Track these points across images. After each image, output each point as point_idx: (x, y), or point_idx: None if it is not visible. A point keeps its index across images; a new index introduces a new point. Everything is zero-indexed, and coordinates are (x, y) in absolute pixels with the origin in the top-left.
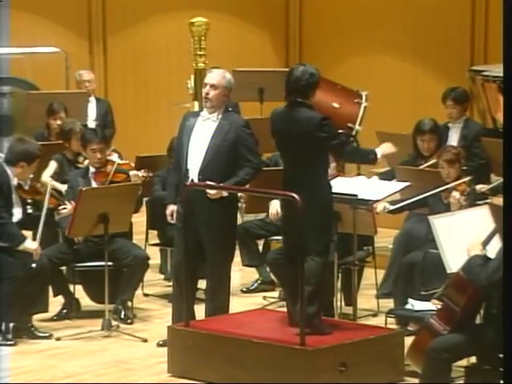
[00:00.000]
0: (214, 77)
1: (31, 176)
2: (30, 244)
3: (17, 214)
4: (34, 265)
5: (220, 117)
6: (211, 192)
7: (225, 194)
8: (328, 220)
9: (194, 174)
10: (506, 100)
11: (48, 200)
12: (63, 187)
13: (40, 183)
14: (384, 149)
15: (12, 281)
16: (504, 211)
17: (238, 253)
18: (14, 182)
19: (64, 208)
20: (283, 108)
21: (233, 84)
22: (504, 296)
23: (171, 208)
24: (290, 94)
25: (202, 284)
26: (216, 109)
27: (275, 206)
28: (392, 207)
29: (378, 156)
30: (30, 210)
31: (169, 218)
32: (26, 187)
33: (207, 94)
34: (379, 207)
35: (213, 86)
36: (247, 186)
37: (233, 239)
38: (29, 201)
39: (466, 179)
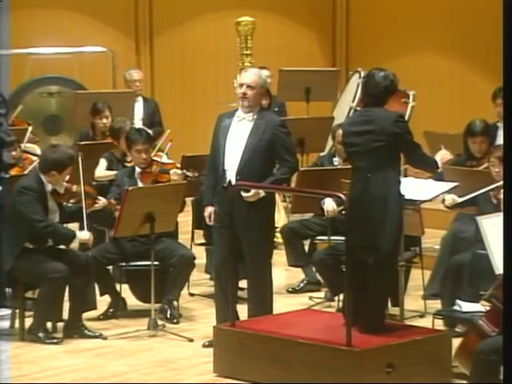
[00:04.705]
0: (251, 76)
1: (66, 179)
2: (83, 234)
3: (54, 218)
4: (90, 253)
5: (255, 116)
6: (247, 194)
7: (262, 194)
8: (400, 222)
9: (231, 175)
10: (506, 101)
11: (85, 198)
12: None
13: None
14: (441, 157)
15: (51, 282)
16: (505, 212)
17: (283, 253)
18: (49, 187)
19: (96, 203)
20: (358, 112)
21: (268, 83)
22: (505, 295)
23: (209, 210)
24: (367, 98)
25: (245, 284)
26: (252, 108)
27: (331, 204)
28: (461, 199)
29: (439, 165)
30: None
31: (207, 220)
32: (61, 191)
33: (245, 94)
34: (448, 200)
35: (249, 86)
36: (292, 186)
37: (271, 238)
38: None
39: None
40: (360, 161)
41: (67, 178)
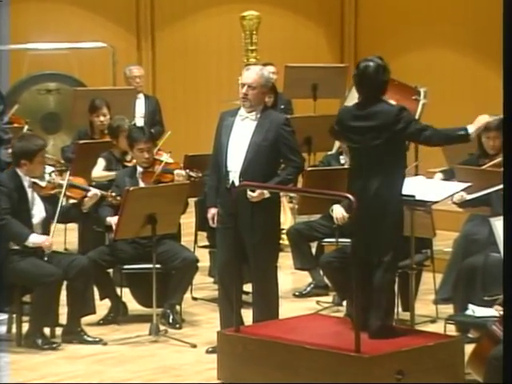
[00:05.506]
0: (252, 76)
1: (50, 171)
2: (36, 238)
3: (38, 212)
4: (45, 258)
5: (259, 115)
6: (253, 195)
7: (267, 194)
8: (401, 222)
9: (234, 176)
10: (505, 101)
11: (67, 193)
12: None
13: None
14: (478, 123)
15: (44, 286)
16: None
17: (290, 255)
18: (27, 180)
19: (86, 196)
20: (355, 105)
21: (271, 81)
22: (505, 295)
23: (212, 211)
24: (365, 91)
25: (250, 287)
26: (255, 108)
27: (340, 210)
28: (469, 196)
29: (470, 131)
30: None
31: (210, 222)
32: (43, 184)
33: (246, 94)
34: (456, 197)
35: (251, 86)
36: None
37: (277, 240)
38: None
39: None
40: (360, 158)
41: (49, 169)
